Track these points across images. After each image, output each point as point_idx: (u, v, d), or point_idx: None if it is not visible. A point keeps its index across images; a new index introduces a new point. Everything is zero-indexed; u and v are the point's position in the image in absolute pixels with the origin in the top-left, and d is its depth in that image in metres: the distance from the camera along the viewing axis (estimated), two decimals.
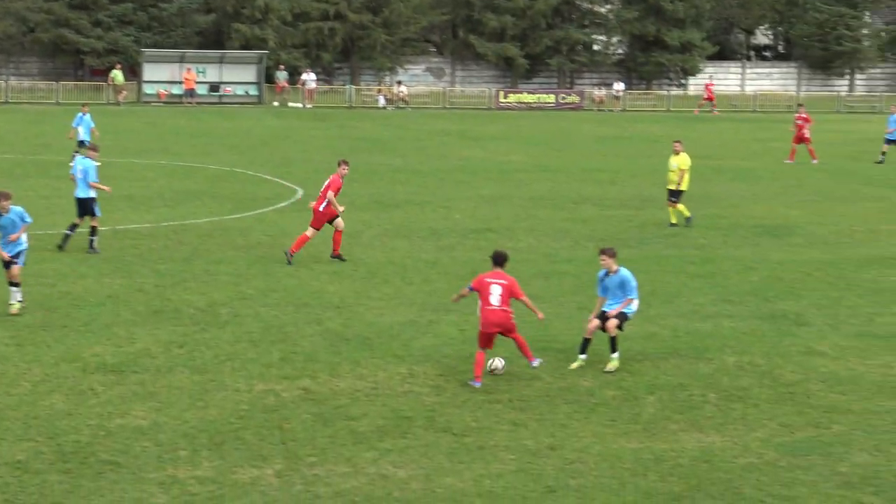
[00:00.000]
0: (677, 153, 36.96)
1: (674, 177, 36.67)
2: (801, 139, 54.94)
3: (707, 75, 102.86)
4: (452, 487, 15.92)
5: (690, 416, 19.11)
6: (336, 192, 29.62)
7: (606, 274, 21.54)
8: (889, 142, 54.99)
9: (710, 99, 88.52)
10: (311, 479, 16.08)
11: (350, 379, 20.43)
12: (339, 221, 29.83)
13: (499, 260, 20.76)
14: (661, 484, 16.31)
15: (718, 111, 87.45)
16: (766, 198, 43.21)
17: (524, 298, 20.57)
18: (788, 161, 54.54)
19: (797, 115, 56.01)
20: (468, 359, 21.10)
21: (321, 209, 29.48)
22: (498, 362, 20.57)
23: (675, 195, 36.62)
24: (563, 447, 17.52)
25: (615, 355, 21.36)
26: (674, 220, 36.60)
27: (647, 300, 25.48)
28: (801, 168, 52.53)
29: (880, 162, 54.68)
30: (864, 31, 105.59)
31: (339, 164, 30.43)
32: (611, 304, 21.57)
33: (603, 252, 21.61)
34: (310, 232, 29.61)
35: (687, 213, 36.71)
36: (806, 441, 18.09)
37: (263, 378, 20.37)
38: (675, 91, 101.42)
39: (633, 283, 21.55)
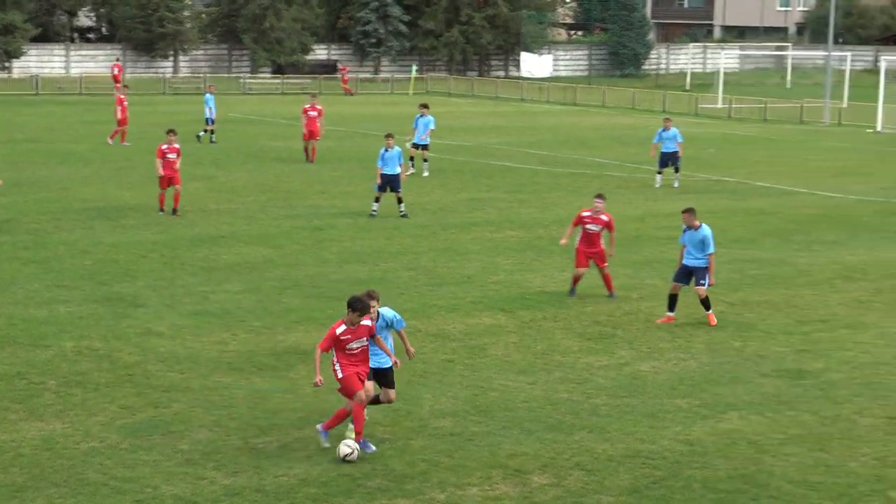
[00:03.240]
0: None
1: None
2: (122, 121, 54.50)
3: (113, 57, 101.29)
4: None
5: (30, 405, 18.77)
6: None
7: None
8: (210, 121, 55.84)
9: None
10: None
11: None
12: None
13: None
14: (3, 476, 15.92)
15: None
16: (97, 180, 42.99)
17: None
18: (121, 143, 54.31)
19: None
20: None
21: None
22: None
23: None
24: None
25: None
26: None
27: None
28: (131, 150, 52.55)
29: (210, 141, 55.69)
30: (186, 14, 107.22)
31: None
32: None
33: None
34: None
35: None
36: (147, 422, 18.25)
37: None
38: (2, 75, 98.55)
39: None
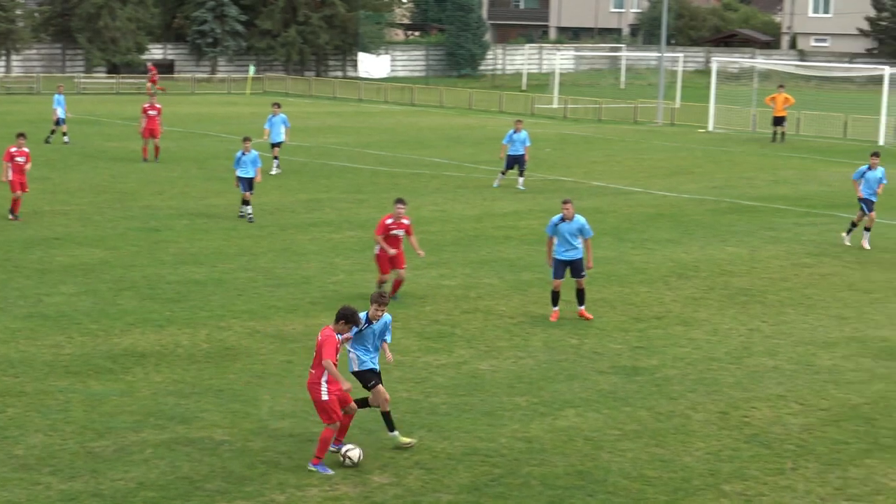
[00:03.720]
0: None
1: None
2: None
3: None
4: None
5: None
6: None
7: None
8: (61, 122, 55.01)
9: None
10: None
11: None
12: None
13: None
14: None
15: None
16: None
17: None
18: None
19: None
20: None
21: None
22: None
23: None
24: None
25: None
26: None
27: None
28: None
29: (63, 142, 54.79)
30: (18, 12, 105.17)
31: None
32: None
33: None
34: None
35: None
36: None
37: None
38: None
39: None
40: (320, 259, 30.81)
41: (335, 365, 16.57)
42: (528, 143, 44.55)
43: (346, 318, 16.84)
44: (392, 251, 26.02)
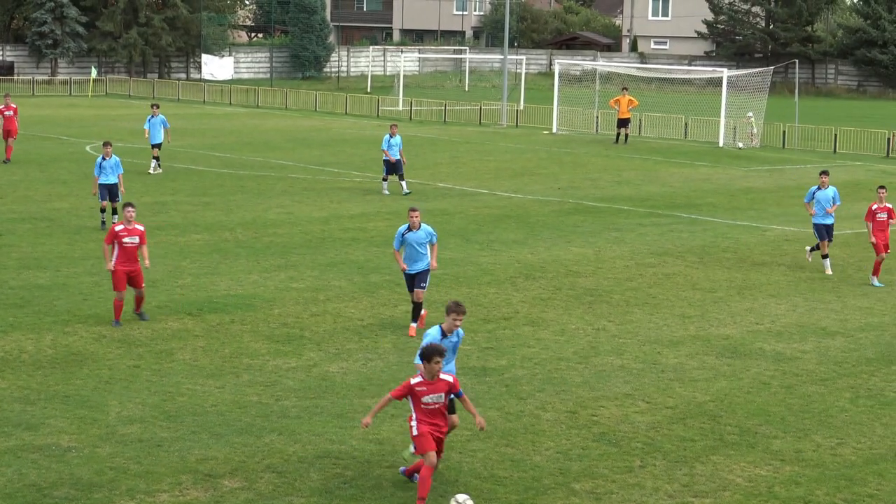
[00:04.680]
0: None
1: None
2: None
3: None
4: None
5: None
6: None
7: None
8: None
9: None
10: None
11: None
12: None
13: None
14: None
15: None
16: None
17: None
18: None
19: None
20: None
21: None
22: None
23: None
24: None
25: None
26: None
27: None
28: None
29: None
30: None
31: None
32: None
33: None
34: None
35: None
36: None
37: None
38: None
39: None
40: (166, 262, 30.47)
41: (388, 400, 15.89)
42: (400, 146, 43.47)
43: (424, 355, 15.77)
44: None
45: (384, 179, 44.10)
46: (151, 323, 24.54)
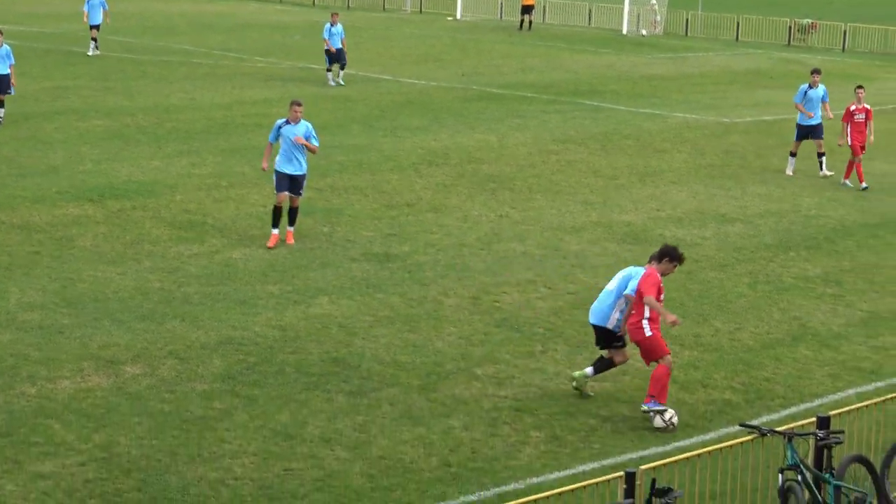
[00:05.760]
0: None
1: None
2: None
3: None
4: None
5: None
6: None
7: None
8: None
9: None
10: None
11: None
12: None
13: None
14: None
15: None
16: None
17: None
18: None
19: None
20: None
21: None
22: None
23: None
24: None
25: None
26: None
27: None
28: None
29: None
30: None
31: None
32: None
33: None
34: None
35: None
36: None
37: None
38: None
39: None
40: (67, 148, 30.08)
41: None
42: (343, 36, 42.89)
43: (669, 254, 15.76)
44: None
45: (328, 70, 43.21)
46: (51, 209, 24.27)
